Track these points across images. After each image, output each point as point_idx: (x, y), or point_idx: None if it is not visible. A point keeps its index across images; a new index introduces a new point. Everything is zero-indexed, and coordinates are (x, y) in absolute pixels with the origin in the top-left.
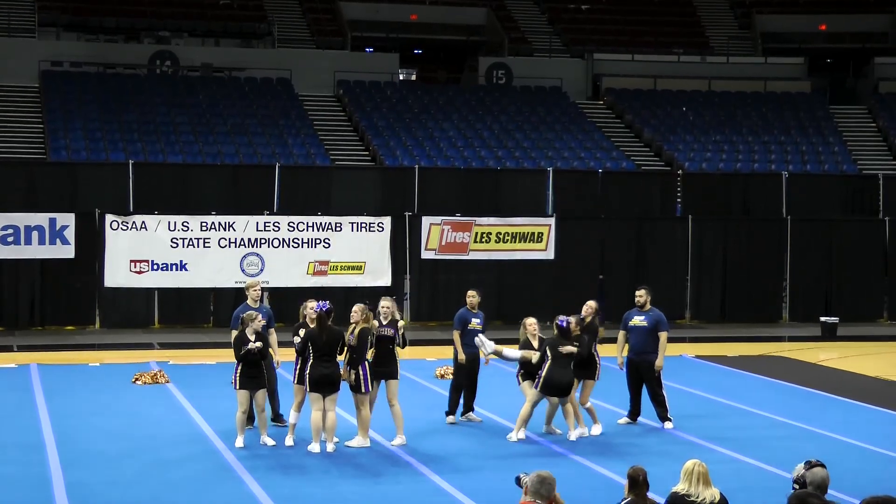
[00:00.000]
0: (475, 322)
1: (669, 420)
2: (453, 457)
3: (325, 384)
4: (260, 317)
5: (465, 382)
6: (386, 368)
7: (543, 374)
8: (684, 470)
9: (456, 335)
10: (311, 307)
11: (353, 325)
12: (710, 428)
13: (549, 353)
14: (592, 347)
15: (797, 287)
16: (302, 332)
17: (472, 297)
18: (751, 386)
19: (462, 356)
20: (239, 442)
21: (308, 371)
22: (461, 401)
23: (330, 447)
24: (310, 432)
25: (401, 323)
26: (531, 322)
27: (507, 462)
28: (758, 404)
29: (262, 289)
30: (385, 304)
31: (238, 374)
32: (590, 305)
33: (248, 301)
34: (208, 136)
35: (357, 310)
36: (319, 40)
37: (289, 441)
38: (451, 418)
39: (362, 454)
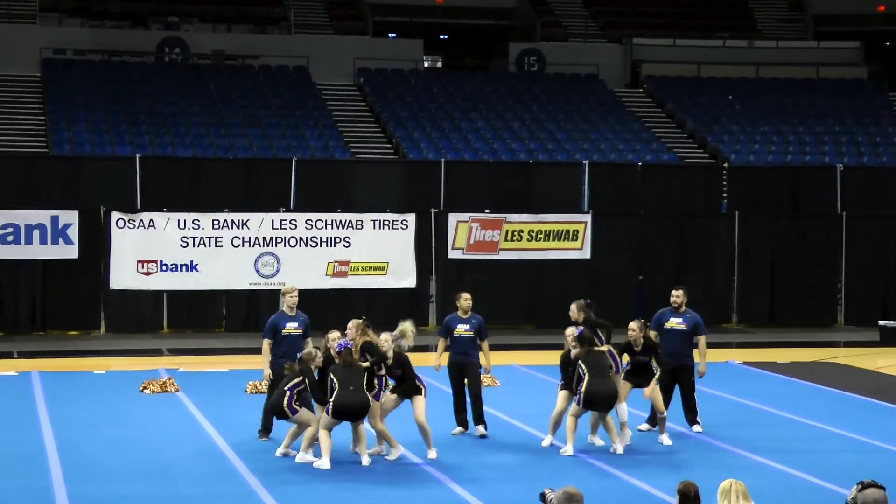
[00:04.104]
0: (462, 329)
1: (699, 423)
2: (481, 468)
3: (351, 414)
4: (320, 357)
5: (472, 392)
6: (407, 385)
7: (583, 388)
8: (721, 490)
9: (441, 343)
10: (333, 339)
11: (351, 340)
12: (759, 439)
13: (582, 366)
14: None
15: (853, 288)
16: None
17: (466, 300)
18: (803, 395)
19: (437, 364)
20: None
21: (333, 399)
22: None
23: (365, 461)
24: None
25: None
26: (569, 332)
27: (539, 474)
28: (810, 414)
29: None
30: (384, 337)
31: (293, 402)
32: (633, 328)
33: (283, 309)
34: (220, 129)
35: (352, 326)
36: (338, 25)
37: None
38: (457, 429)
39: (384, 468)
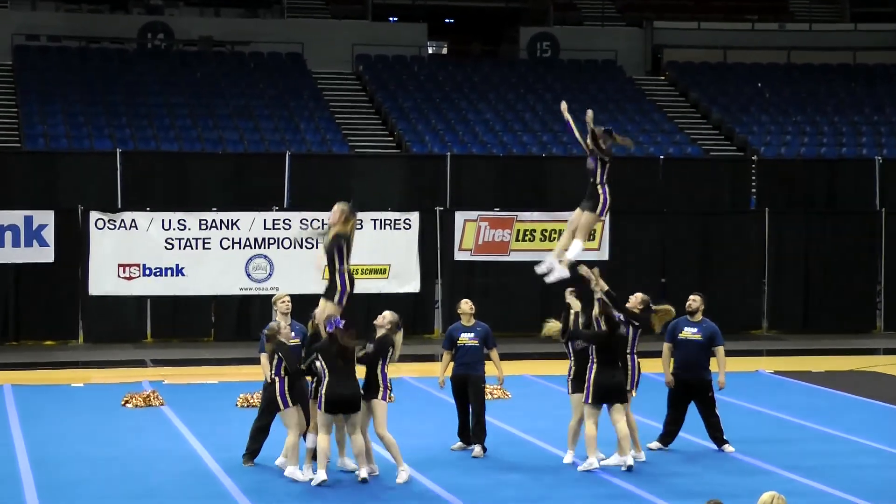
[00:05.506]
0: (465, 338)
1: (727, 442)
2: (494, 488)
3: (343, 405)
4: (289, 329)
5: (473, 408)
6: (369, 391)
7: (591, 380)
8: (761, 503)
9: (445, 355)
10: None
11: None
12: (792, 455)
13: (593, 354)
14: (630, 347)
15: (893, 291)
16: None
17: (466, 305)
18: (839, 406)
19: (440, 378)
20: (321, 475)
21: (324, 389)
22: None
23: (363, 473)
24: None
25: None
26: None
27: (555, 493)
28: (847, 428)
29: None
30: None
31: (287, 390)
32: (637, 297)
33: (276, 317)
34: (208, 121)
35: (336, 209)
36: (335, 9)
37: (306, 471)
38: (457, 444)
39: (387, 488)
